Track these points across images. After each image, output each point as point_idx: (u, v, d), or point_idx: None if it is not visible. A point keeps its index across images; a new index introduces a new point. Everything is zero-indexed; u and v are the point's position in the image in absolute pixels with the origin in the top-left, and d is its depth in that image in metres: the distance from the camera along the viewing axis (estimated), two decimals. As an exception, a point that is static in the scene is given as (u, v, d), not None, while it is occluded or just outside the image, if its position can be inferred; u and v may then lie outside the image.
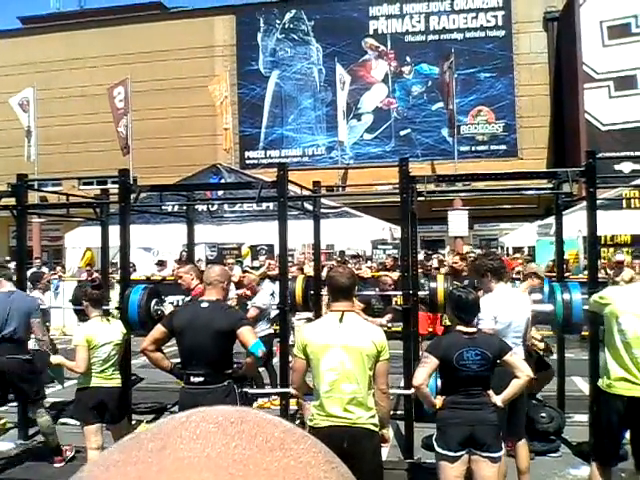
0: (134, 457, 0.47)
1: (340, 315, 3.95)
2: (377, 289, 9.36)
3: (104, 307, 6.31)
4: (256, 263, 15.29)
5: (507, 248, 18.67)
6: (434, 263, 13.28)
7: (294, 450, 0.49)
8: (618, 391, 4.54)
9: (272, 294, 8.93)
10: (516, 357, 4.29)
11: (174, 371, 4.85)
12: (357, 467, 3.86)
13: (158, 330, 4.72)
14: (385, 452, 6.59)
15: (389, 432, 4.47)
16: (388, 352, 3.98)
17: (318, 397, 3.94)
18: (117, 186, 7.41)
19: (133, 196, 7.42)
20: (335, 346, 3.87)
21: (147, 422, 7.26)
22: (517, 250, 17.55)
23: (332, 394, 3.86)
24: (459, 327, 4.24)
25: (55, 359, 6.09)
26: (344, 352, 3.85)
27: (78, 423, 6.05)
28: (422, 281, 9.19)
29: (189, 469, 0.45)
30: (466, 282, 7.49)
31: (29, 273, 9.57)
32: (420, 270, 11.62)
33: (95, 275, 13.28)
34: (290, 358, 6.88)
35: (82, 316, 7.31)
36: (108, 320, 5.91)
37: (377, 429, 3.93)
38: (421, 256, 14.02)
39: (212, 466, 0.46)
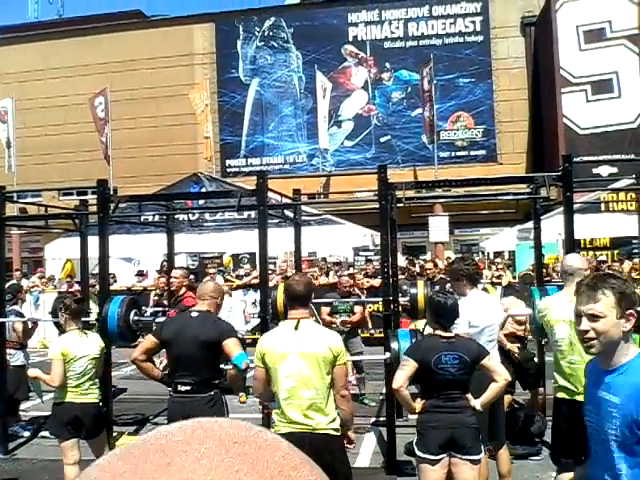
0: (140, 470, 0.48)
1: (296, 323, 4.03)
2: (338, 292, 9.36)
3: (83, 319, 6.26)
4: (241, 272, 15.28)
5: (488, 253, 18.79)
6: (418, 269, 13.35)
7: (292, 477, 0.51)
8: (562, 396, 4.63)
9: (230, 310, 9.03)
10: (494, 361, 4.32)
11: (164, 380, 4.91)
12: (323, 469, 3.94)
13: (149, 340, 4.79)
14: (368, 458, 6.61)
15: (353, 433, 4.52)
16: (345, 356, 4.08)
17: (278, 404, 4.01)
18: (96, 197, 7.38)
19: (112, 206, 7.38)
20: (292, 353, 3.94)
21: (129, 434, 7.21)
22: (498, 255, 17.66)
23: (291, 401, 3.93)
24: (437, 331, 4.28)
25: (32, 372, 6.02)
26: (301, 359, 3.92)
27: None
28: (404, 287, 9.22)
29: None
30: (437, 287, 7.57)
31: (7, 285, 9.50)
32: (403, 276, 11.69)
33: (75, 287, 13.20)
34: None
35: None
36: (85, 334, 5.84)
37: (338, 433, 4.00)
38: (403, 262, 14.09)
39: None
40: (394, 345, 5.89)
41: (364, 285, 12.52)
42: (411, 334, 6.00)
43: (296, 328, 4.01)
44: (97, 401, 5.85)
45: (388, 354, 5.99)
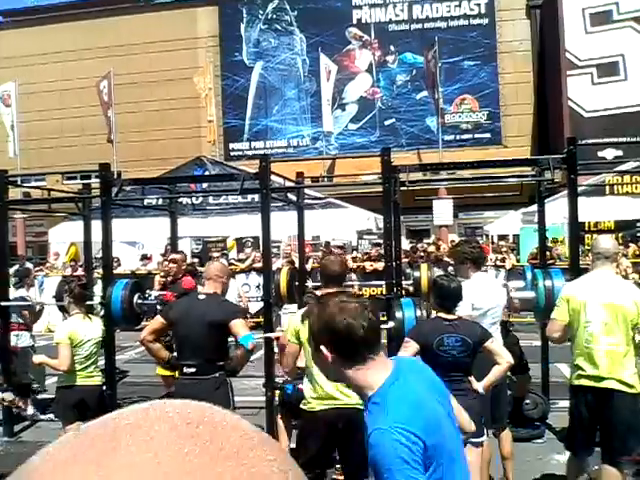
0: (83, 456, 0.46)
1: None
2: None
3: (88, 303, 6.28)
4: (242, 255, 15.28)
5: (492, 236, 18.75)
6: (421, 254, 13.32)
7: (249, 459, 0.48)
8: (584, 384, 4.49)
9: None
10: (497, 343, 4.32)
11: (171, 362, 4.95)
12: (349, 442, 4.00)
13: (157, 321, 4.85)
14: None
15: None
16: None
17: (311, 380, 4.06)
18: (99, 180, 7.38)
19: (115, 190, 7.38)
20: None
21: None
22: (502, 238, 17.62)
23: (324, 377, 3.94)
24: (440, 314, 4.28)
25: (37, 358, 6.04)
26: None
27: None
28: (407, 271, 9.21)
29: (137, 477, 0.44)
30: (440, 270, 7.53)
31: (12, 270, 9.53)
32: (406, 260, 11.68)
33: (80, 271, 13.24)
34: (275, 350, 6.90)
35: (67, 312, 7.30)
36: (90, 318, 5.87)
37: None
38: (407, 246, 14.07)
39: (160, 476, 0.45)
40: (398, 314, 5.89)
41: (367, 269, 12.50)
42: (414, 303, 6.01)
43: None
44: (100, 384, 5.88)
45: (392, 323, 5.99)
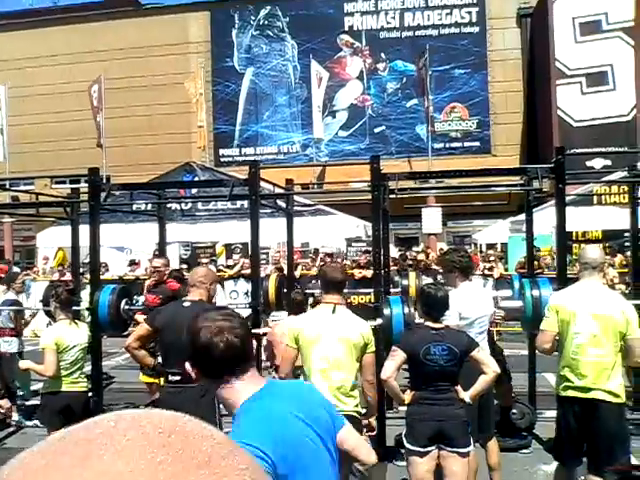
0: (55, 465, 0.46)
1: (333, 307, 4.17)
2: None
3: (75, 308, 6.24)
4: (231, 262, 15.24)
5: (480, 245, 18.80)
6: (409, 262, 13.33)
7: (220, 468, 0.48)
8: (571, 394, 4.50)
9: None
10: (483, 353, 4.31)
11: (157, 369, 4.91)
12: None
13: (142, 327, 4.85)
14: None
15: (375, 421, 4.58)
16: (374, 345, 4.22)
17: None
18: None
19: (103, 195, 7.34)
20: (327, 336, 4.07)
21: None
22: (490, 247, 17.67)
23: (323, 382, 4.01)
24: (427, 323, 4.28)
25: (23, 364, 5.99)
26: (336, 342, 4.06)
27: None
28: (396, 278, 9.20)
29: None
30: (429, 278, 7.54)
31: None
32: (395, 267, 11.68)
33: (67, 276, 13.16)
34: (263, 357, 6.87)
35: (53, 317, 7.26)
36: (76, 323, 5.83)
37: (360, 417, 4.14)
38: (396, 254, 14.07)
39: None
40: (386, 311, 5.89)
41: (355, 276, 12.50)
42: (402, 300, 6.02)
43: (333, 312, 4.15)
44: (86, 390, 5.84)
45: (380, 320, 5.99)
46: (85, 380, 5.81)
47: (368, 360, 4.14)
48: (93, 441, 0.47)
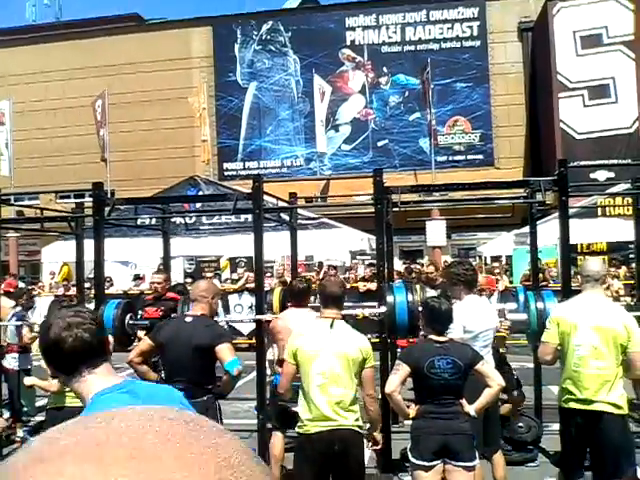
0: (85, 426, 0.49)
1: (331, 322, 4.17)
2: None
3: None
4: (235, 276, 15.27)
5: (485, 257, 18.78)
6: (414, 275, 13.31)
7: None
8: (573, 407, 4.52)
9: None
10: (488, 366, 4.31)
11: (159, 384, 4.89)
12: (345, 464, 4.04)
13: (145, 342, 4.85)
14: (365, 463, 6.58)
15: (379, 435, 4.56)
16: (374, 359, 4.21)
17: (307, 401, 4.09)
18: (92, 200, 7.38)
19: (108, 209, 7.37)
20: (325, 351, 4.07)
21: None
22: (495, 259, 17.65)
23: (321, 397, 4.03)
24: (431, 336, 4.27)
25: (28, 380, 6.00)
26: (334, 357, 4.05)
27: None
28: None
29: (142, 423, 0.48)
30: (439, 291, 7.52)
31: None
32: (400, 280, 11.66)
33: (72, 290, 13.17)
34: (268, 371, 6.87)
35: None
36: None
37: (361, 431, 4.14)
38: (400, 267, 14.07)
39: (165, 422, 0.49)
40: (389, 298, 5.86)
41: (360, 289, 12.51)
42: (406, 287, 5.99)
43: (331, 327, 4.14)
44: None
45: (383, 308, 5.96)
46: None
47: (368, 375, 4.13)
48: (114, 412, 0.51)
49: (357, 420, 4.11)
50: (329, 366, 4.03)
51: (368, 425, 4.38)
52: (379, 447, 4.73)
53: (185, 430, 0.49)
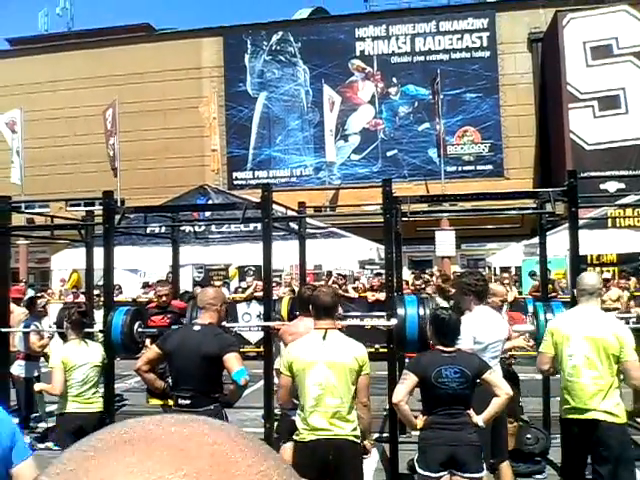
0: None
1: (324, 333, 4.16)
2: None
3: (88, 330, 6.27)
4: (244, 284, 15.27)
5: (494, 268, 18.71)
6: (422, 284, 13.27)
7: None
8: (571, 417, 4.58)
9: None
10: (495, 375, 4.29)
11: (166, 392, 4.90)
12: (341, 474, 4.03)
13: (152, 350, 4.84)
14: (371, 475, 6.56)
15: (370, 443, 4.52)
16: (369, 367, 4.20)
17: (304, 411, 4.10)
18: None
19: (118, 217, 7.41)
20: (320, 362, 4.07)
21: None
22: (504, 270, 17.58)
23: (317, 408, 4.04)
24: (439, 346, 4.26)
25: (37, 386, 6.06)
26: (328, 368, 4.05)
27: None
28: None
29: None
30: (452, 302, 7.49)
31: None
32: (409, 290, 11.65)
33: (81, 298, 13.22)
34: (275, 380, 6.86)
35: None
36: (86, 342, 5.86)
37: (358, 440, 4.12)
38: (409, 276, 14.04)
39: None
40: (400, 310, 5.81)
41: (369, 299, 12.49)
42: (418, 300, 5.92)
43: (324, 338, 4.14)
44: (101, 410, 5.84)
45: (394, 320, 5.91)
46: (99, 401, 5.82)
47: (362, 382, 4.13)
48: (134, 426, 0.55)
49: (354, 430, 4.09)
50: (324, 377, 4.04)
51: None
52: (369, 456, 4.71)
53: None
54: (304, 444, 4.07)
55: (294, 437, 4.23)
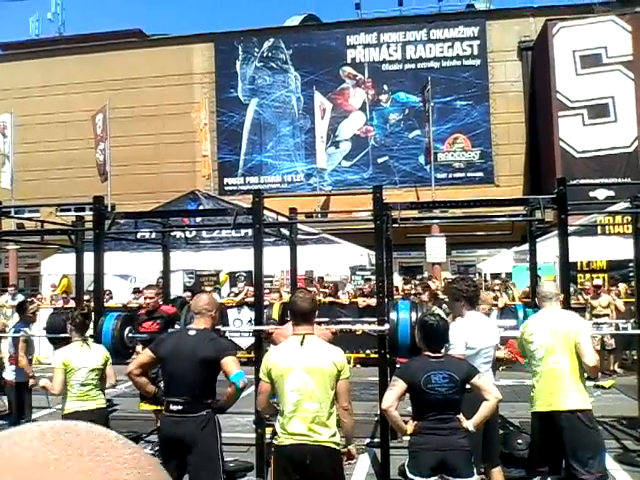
0: None
1: (301, 338, 4.15)
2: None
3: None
4: (235, 290, 15.27)
5: (485, 274, 18.78)
6: (415, 288, 13.30)
7: (103, 457, 0.53)
8: (538, 409, 5.00)
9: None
10: (484, 379, 4.31)
11: (158, 396, 4.88)
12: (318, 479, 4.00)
13: (145, 355, 4.80)
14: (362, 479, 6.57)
15: (355, 448, 4.53)
16: (348, 371, 4.21)
17: (283, 417, 4.10)
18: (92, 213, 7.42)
19: (108, 223, 7.40)
20: (298, 368, 4.06)
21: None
22: (495, 276, 17.66)
23: (296, 414, 4.03)
24: (427, 352, 4.28)
25: (42, 382, 6.09)
26: (306, 373, 4.04)
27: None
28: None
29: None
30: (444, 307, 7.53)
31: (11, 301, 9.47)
32: (399, 296, 11.69)
33: (71, 303, 13.17)
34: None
35: (57, 344, 7.28)
36: (88, 345, 5.90)
37: (338, 447, 4.11)
38: (400, 282, 14.09)
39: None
40: (392, 315, 5.84)
41: (359, 304, 12.52)
42: (411, 305, 5.96)
43: (302, 344, 4.12)
44: (103, 406, 5.91)
45: (387, 325, 5.93)
46: (102, 396, 5.90)
47: (342, 387, 4.12)
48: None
49: (333, 436, 4.07)
50: (303, 382, 4.03)
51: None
52: (354, 461, 4.71)
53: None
54: (282, 448, 4.07)
55: (273, 441, 4.26)
